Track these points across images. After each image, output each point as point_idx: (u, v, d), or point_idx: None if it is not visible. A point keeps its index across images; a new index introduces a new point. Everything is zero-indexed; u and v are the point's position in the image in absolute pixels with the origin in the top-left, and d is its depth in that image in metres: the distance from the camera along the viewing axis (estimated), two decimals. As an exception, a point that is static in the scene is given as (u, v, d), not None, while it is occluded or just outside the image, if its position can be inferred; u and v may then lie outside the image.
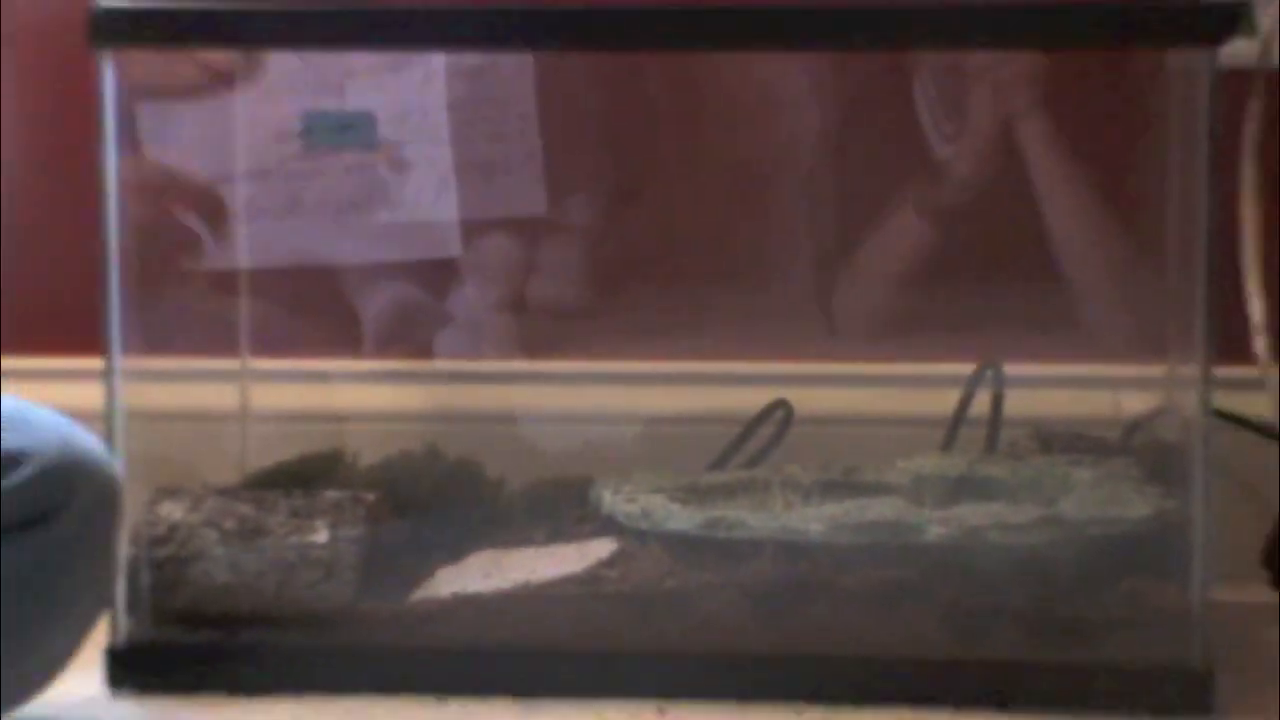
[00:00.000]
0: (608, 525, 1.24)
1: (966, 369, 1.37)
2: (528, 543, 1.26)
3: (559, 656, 1.17)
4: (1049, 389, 1.39)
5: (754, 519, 1.20)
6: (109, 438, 1.16)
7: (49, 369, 1.42)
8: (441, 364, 1.45)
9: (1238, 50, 1.15)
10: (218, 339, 1.38)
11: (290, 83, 1.35)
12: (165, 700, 1.15)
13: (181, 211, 1.33)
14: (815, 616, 1.17)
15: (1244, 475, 1.32)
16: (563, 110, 1.39)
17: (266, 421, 1.38)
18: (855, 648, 1.16)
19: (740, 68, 1.40)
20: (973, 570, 1.17)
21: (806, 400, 1.39)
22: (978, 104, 1.38)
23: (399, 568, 1.22)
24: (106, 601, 1.11)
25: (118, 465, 1.09)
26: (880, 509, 1.21)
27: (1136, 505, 1.20)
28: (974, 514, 1.19)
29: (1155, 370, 1.30)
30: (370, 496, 1.22)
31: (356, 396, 1.43)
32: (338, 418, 1.42)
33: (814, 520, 1.19)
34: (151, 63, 1.25)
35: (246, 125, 1.35)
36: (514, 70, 1.37)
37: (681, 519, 1.20)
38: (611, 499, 1.24)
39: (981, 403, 1.36)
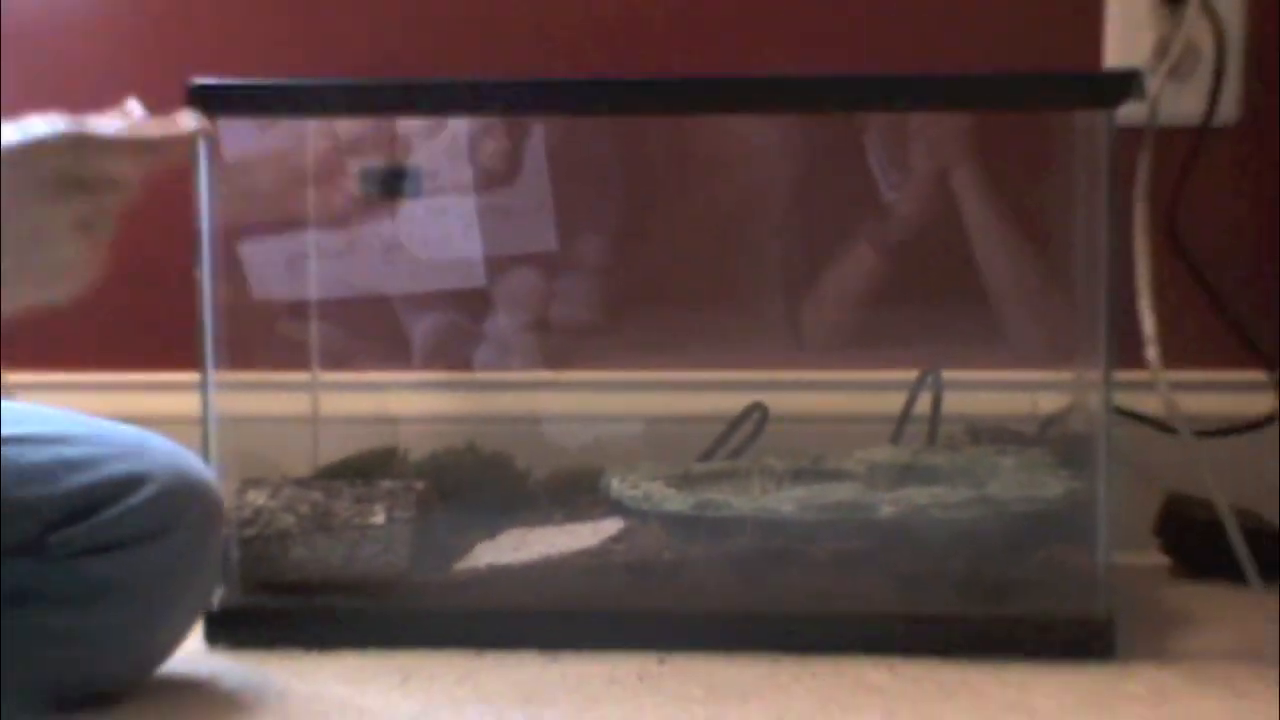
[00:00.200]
0: (615, 507, 1.25)
1: (911, 375, 1.38)
2: (549, 522, 1.26)
3: (576, 616, 1.17)
4: (979, 391, 1.39)
5: (736, 501, 1.21)
6: (205, 438, 1.17)
7: (155, 382, 1.44)
8: (477, 375, 1.45)
9: (1131, 112, 1.15)
10: (293, 356, 1.38)
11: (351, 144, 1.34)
12: (252, 654, 1.15)
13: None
14: (787, 581, 1.17)
15: (1139, 461, 1.32)
16: (570, 164, 1.37)
17: (333, 424, 1.38)
18: (821, 606, 1.17)
19: (722, 128, 1.40)
20: (917, 541, 1.17)
21: (779, 402, 1.40)
22: (918, 156, 1.39)
23: (443, 543, 1.22)
24: (210, 594, 1.12)
25: (219, 485, 1.09)
26: (841, 491, 1.23)
27: (1051, 486, 1.20)
28: (918, 495, 1.20)
29: (1066, 375, 1.30)
30: (420, 485, 1.21)
31: (407, 403, 1.43)
32: (392, 420, 1.42)
33: (786, 501, 1.20)
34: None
35: (315, 178, 1.33)
36: (528, 132, 1.36)
37: (676, 501, 1.21)
38: (618, 486, 1.25)
39: (924, 403, 1.37)
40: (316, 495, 1.21)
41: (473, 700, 1.06)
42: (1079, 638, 1.14)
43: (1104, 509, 1.14)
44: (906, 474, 1.27)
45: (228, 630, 1.17)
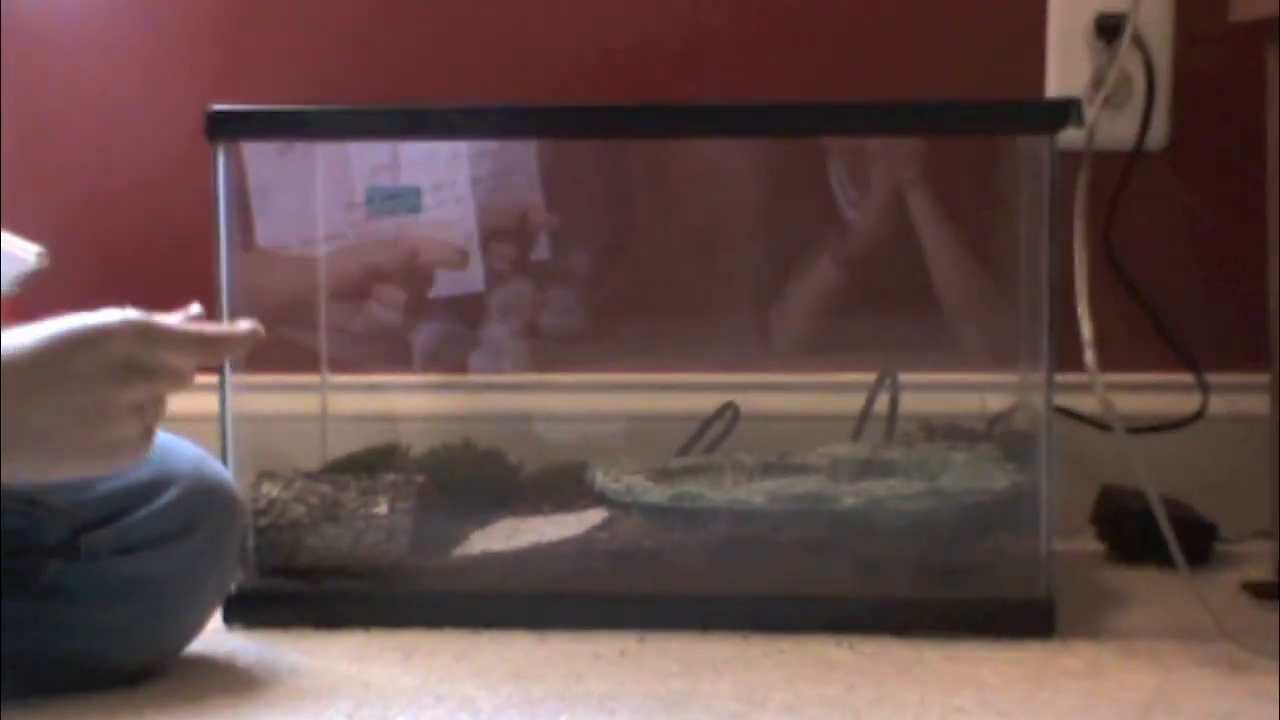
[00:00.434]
0: (600, 499, 1.24)
1: (870, 377, 1.37)
2: (539, 512, 1.26)
3: (563, 598, 1.17)
4: (933, 392, 1.38)
5: (710, 493, 1.21)
6: (223, 435, 1.16)
7: None
8: (473, 377, 1.44)
9: (1070, 137, 1.15)
10: (304, 360, 1.37)
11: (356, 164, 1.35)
12: (267, 633, 1.15)
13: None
14: (757, 566, 1.17)
15: (1077, 456, 1.32)
16: (560, 182, 1.39)
17: (341, 422, 1.38)
18: (788, 589, 1.17)
19: (697, 151, 1.39)
20: (875, 530, 1.17)
21: (750, 402, 1.40)
22: (876, 177, 1.39)
23: (442, 532, 1.21)
24: (229, 585, 1.12)
25: (237, 484, 1.09)
26: (806, 484, 1.22)
27: (998, 479, 1.20)
28: (876, 487, 1.20)
29: (1011, 377, 1.30)
30: (420, 478, 1.21)
31: (409, 403, 1.43)
32: (394, 419, 1.41)
33: (756, 493, 1.20)
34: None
35: (324, 197, 1.34)
36: (521, 153, 1.37)
37: (655, 494, 1.21)
38: (602, 479, 1.25)
39: (882, 403, 1.37)
40: (325, 487, 1.21)
41: (469, 675, 1.06)
42: (1022, 618, 1.14)
43: (1045, 500, 1.15)
44: (866, 468, 1.27)
45: (244, 612, 1.17)
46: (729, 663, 1.08)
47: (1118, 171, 1.38)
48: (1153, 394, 1.40)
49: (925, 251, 1.38)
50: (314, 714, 0.98)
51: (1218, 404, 1.39)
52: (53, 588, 1.00)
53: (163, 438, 1.04)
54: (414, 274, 1.35)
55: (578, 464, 1.30)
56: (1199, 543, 1.32)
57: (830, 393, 1.42)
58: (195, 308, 0.97)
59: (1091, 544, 1.37)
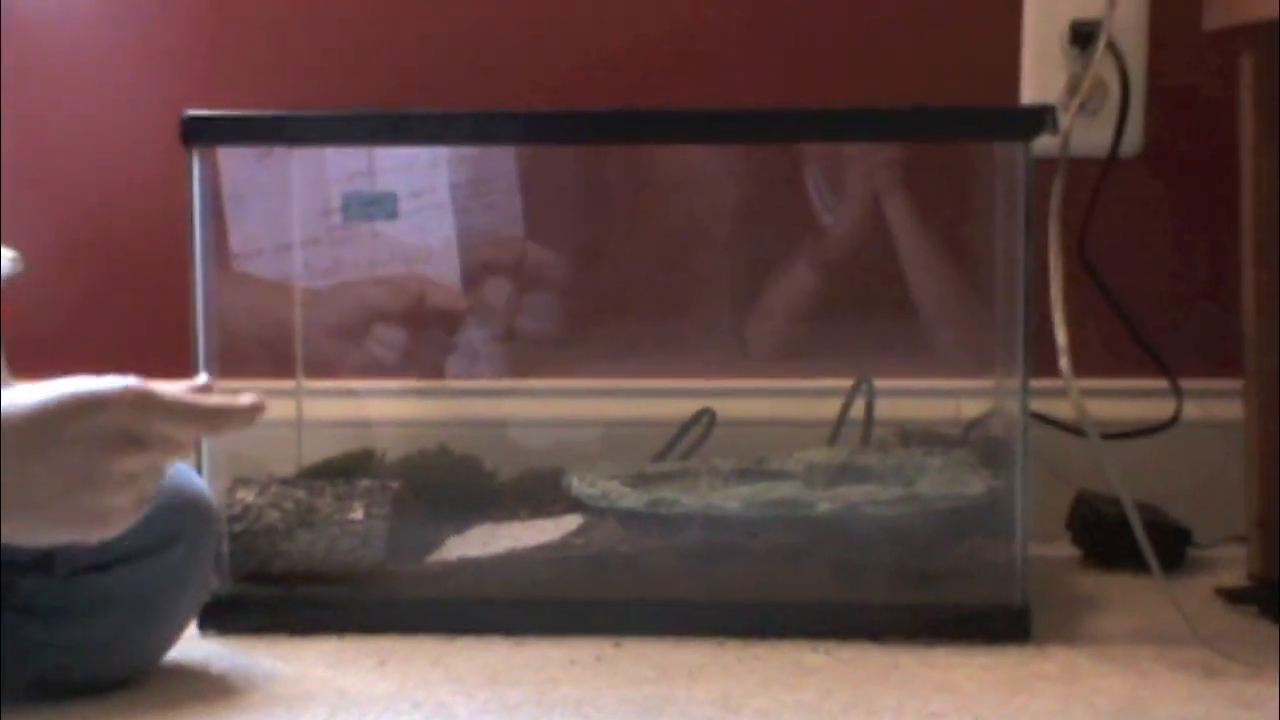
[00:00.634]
0: (576, 505, 1.24)
1: (846, 383, 1.37)
2: (515, 518, 1.26)
3: (539, 604, 1.17)
4: (909, 398, 1.39)
5: (686, 499, 1.21)
6: (198, 440, 1.14)
7: None
8: (449, 383, 1.43)
9: (1045, 143, 1.16)
10: (279, 365, 1.36)
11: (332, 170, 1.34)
12: (241, 639, 1.15)
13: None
14: (733, 571, 1.17)
15: (1053, 462, 1.32)
16: (539, 188, 1.39)
17: (316, 428, 1.37)
18: (763, 594, 1.17)
19: (675, 157, 1.40)
20: (851, 535, 1.17)
21: (726, 408, 1.40)
22: (853, 183, 1.39)
23: (417, 538, 1.21)
24: (205, 596, 1.11)
25: (213, 496, 1.09)
26: (782, 489, 1.22)
27: (973, 485, 1.20)
28: (852, 492, 1.20)
29: (987, 383, 1.30)
30: (395, 484, 1.21)
31: (384, 408, 1.42)
32: (370, 424, 1.41)
33: (732, 499, 1.20)
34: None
35: (300, 204, 1.34)
36: (500, 157, 1.37)
37: (631, 499, 1.21)
38: (578, 484, 1.25)
39: (858, 409, 1.37)
40: (300, 493, 1.20)
41: (444, 681, 1.06)
42: (998, 623, 1.14)
43: (1021, 505, 1.15)
44: (842, 473, 1.27)
45: (219, 618, 1.16)
46: (705, 668, 1.08)
47: (1092, 178, 1.38)
48: (1127, 400, 1.40)
49: (901, 257, 1.38)
50: (288, 720, 0.98)
51: (1192, 409, 1.39)
52: (28, 604, 1.00)
53: None
54: (414, 315, 1.36)
55: (554, 469, 1.30)
56: (1173, 548, 1.32)
57: (806, 398, 1.42)
58: (202, 377, 0.96)
59: (1067, 549, 1.38)
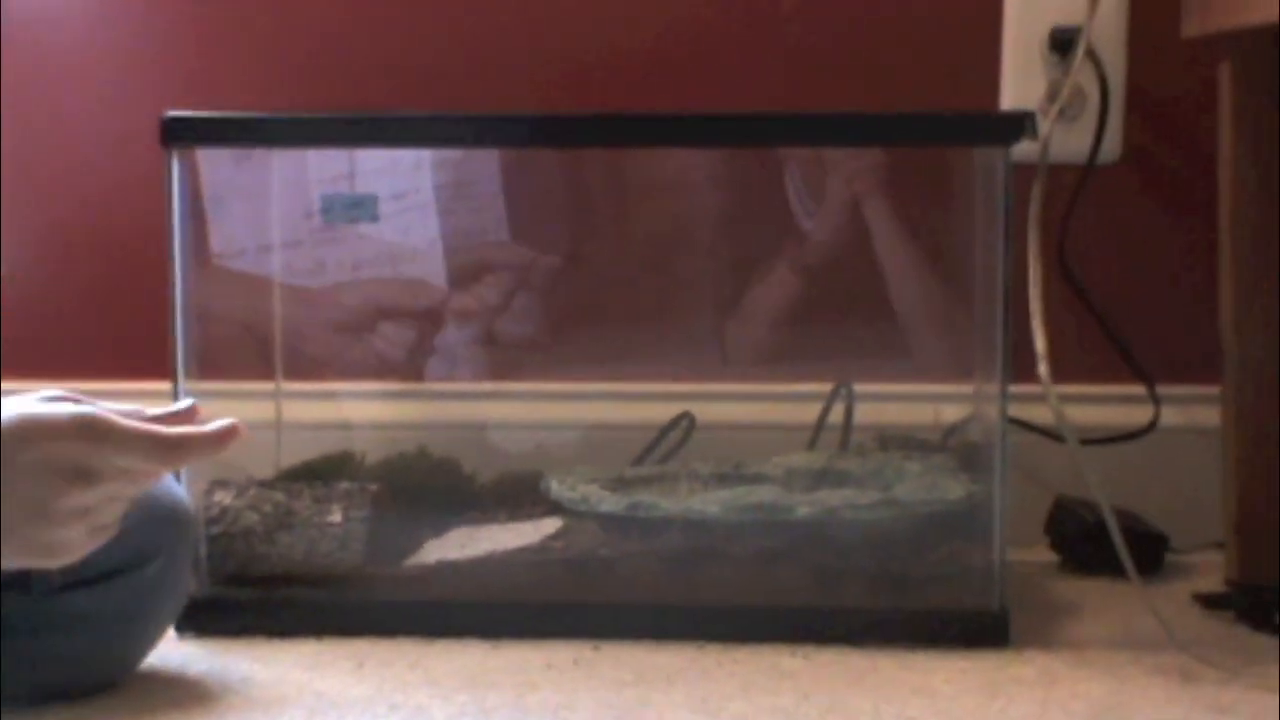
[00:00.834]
0: (555, 508, 1.24)
1: (825, 387, 1.38)
2: (494, 521, 1.26)
3: (517, 607, 1.17)
4: (888, 402, 1.39)
5: (666, 502, 1.20)
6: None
7: (129, 391, 1.36)
8: (429, 385, 1.42)
9: (1025, 149, 1.16)
10: (258, 367, 1.36)
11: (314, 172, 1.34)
12: (219, 641, 1.14)
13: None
14: (712, 576, 1.17)
15: (1031, 467, 1.33)
16: (522, 192, 1.38)
17: (295, 430, 1.37)
18: (742, 599, 1.17)
19: (656, 160, 1.40)
20: (830, 539, 1.17)
21: (705, 412, 1.40)
22: (833, 187, 1.39)
23: (396, 540, 1.21)
24: (182, 604, 1.09)
25: (191, 504, 1.07)
26: (761, 494, 1.22)
27: (952, 489, 1.20)
28: (831, 497, 1.20)
29: (966, 388, 1.30)
30: (374, 487, 1.20)
31: (363, 411, 1.42)
32: (349, 427, 1.40)
33: (711, 503, 1.20)
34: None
35: (280, 206, 1.33)
36: (484, 161, 1.37)
37: (611, 503, 1.21)
38: (558, 488, 1.25)
39: (837, 413, 1.37)
40: (279, 495, 1.20)
41: (422, 684, 1.06)
42: (976, 627, 1.14)
43: (999, 510, 1.15)
44: (821, 478, 1.27)
45: (195, 621, 1.16)
46: (683, 672, 1.08)
47: (1071, 184, 1.39)
48: (1106, 405, 1.41)
49: (881, 262, 1.38)
50: (265, 723, 0.98)
51: (1170, 415, 1.40)
52: (5, 622, 0.98)
53: None
54: (392, 318, 1.36)
55: (533, 473, 1.29)
56: (1151, 553, 1.33)
57: (785, 403, 1.42)
58: (186, 402, 0.92)
59: (1045, 554, 1.38)
